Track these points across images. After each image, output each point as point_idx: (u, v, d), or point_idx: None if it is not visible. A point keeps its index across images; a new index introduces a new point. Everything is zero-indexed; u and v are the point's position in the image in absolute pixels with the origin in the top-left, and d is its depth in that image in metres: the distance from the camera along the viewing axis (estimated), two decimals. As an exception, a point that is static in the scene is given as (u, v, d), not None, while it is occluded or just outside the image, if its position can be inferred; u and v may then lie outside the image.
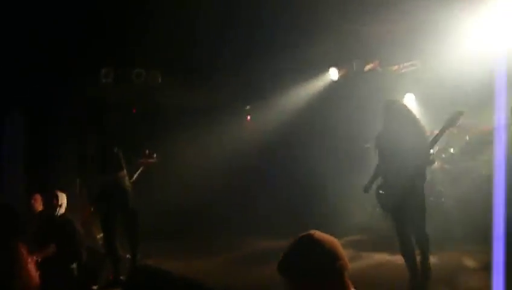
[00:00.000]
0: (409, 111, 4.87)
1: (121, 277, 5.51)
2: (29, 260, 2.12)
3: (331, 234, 1.93)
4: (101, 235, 6.17)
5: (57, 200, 5.95)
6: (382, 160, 4.91)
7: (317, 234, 1.91)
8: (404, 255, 4.99)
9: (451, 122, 4.57)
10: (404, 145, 4.57)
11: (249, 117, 10.06)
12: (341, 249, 1.90)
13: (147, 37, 6.80)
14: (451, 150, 7.17)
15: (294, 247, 1.89)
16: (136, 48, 6.93)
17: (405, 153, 4.55)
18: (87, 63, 6.85)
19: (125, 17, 6.23)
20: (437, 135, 4.67)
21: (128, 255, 5.81)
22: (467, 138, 7.09)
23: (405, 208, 4.72)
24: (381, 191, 4.95)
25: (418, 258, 4.99)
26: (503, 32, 6.21)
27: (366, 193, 5.20)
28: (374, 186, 5.10)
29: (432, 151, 4.72)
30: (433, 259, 5.94)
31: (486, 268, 5.28)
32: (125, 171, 5.68)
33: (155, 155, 6.84)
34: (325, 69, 8.13)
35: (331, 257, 1.84)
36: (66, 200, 5.91)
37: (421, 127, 4.78)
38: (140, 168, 6.47)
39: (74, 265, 5.56)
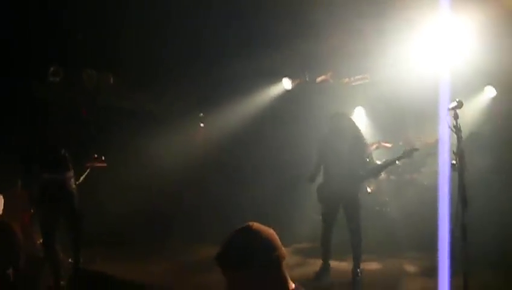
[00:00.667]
0: (353, 126, 5.44)
1: (62, 282, 5.28)
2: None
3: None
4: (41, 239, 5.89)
5: (-3, 202, 5.68)
6: (323, 161, 5.50)
7: (255, 225, 1.92)
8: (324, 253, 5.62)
9: (404, 156, 5.38)
10: (344, 156, 5.19)
11: (202, 124, 10.00)
12: (278, 240, 1.91)
13: (99, 36, 6.65)
14: (397, 162, 7.44)
15: (233, 238, 1.88)
16: (87, 47, 6.74)
17: (344, 164, 5.18)
18: (35, 60, 6.58)
19: (78, 16, 6.05)
20: (387, 161, 5.58)
21: (70, 260, 5.58)
22: (411, 150, 7.39)
23: (344, 212, 5.46)
24: (322, 192, 5.55)
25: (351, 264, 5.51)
26: (448, 48, 6.58)
27: (312, 182, 5.65)
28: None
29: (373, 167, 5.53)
30: (376, 265, 6.18)
31: (427, 274, 5.53)
32: (72, 172, 5.48)
33: (103, 158, 6.67)
34: (279, 78, 8.25)
35: (268, 247, 1.85)
36: (2, 202, 5.64)
37: (363, 144, 5.43)
38: (87, 171, 6.26)
39: (10, 270, 5.27)
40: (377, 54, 6.79)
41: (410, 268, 5.94)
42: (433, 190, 6.79)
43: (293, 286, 1.89)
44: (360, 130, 5.50)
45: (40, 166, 5.29)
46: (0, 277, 5.22)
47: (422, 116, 7.17)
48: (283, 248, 1.89)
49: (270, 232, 1.91)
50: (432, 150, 7.14)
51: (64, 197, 5.28)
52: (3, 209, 5.92)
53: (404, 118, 7.54)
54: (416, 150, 5.37)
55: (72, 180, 5.44)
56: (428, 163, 7.27)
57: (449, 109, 3.59)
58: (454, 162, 3.63)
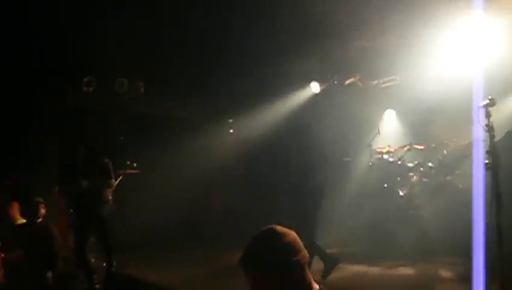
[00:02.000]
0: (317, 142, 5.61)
1: (97, 286, 5.43)
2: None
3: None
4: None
5: (37, 208, 5.90)
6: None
7: (278, 228, 1.92)
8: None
9: None
10: (308, 165, 5.43)
11: (231, 130, 10.07)
12: (300, 243, 1.91)
13: (131, 46, 6.83)
14: (430, 164, 7.29)
15: (256, 241, 1.90)
16: (119, 57, 6.93)
17: (308, 172, 5.41)
18: (69, 71, 6.83)
19: (109, 27, 6.24)
20: None
21: (104, 264, 5.73)
22: (445, 152, 7.22)
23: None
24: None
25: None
26: (481, 48, 6.39)
27: None
28: None
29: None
30: (409, 270, 6.03)
31: (461, 280, 5.36)
32: (113, 181, 5.62)
33: (135, 165, 6.83)
34: (307, 83, 8.22)
35: (292, 250, 1.85)
36: (44, 209, 5.86)
37: (324, 156, 5.56)
38: (120, 178, 6.42)
39: (49, 273, 5.47)
40: (406, 55, 6.66)
41: (444, 273, 5.76)
42: (468, 193, 6.63)
43: (317, 287, 1.89)
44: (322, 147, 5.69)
45: (81, 174, 5.45)
46: (40, 278, 5.46)
47: (455, 117, 6.98)
48: (305, 251, 1.89)
49: (293, 235, 1.91)
50: (466, 152, 6.96)
51: (100, 205, 5.42)
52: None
53: (437, 120, 7.36)
54: None
55: (110, 189, 5.56)
56: (462, 166, 7.06)
57: (481, 107, 3.48)
58: (487, 161, 3.51)
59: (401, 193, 7.36)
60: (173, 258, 7.37)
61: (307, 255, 1.89)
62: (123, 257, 6.59)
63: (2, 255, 1.97)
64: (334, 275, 5.77)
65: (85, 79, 7.13)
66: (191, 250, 7.90)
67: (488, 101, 3.48)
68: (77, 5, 5.68)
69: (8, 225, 5.81)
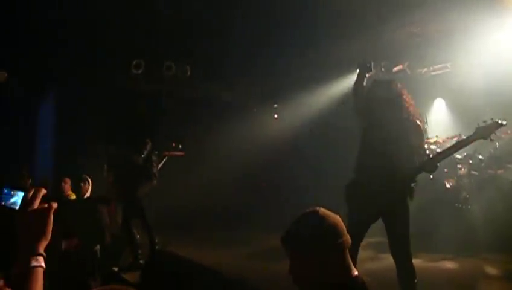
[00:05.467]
0: (407, 100, 3.75)
1: (141, 261, 5.66)
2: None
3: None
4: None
5: (86, 184, 6.20)
6: (367, 152, 3.79)
7: (322, 210, 1.95)
8: None
9: (484, 133, 3.44)
10: (398, 140, 3.57)
11: (276, 115, 10.10)
12: (343, 226, 1.93)
13: (179, 30, 6.94)
14: (480, 157, 7.00)
15: (299, 221, 1.93)
16: (167, 40, 7.07)
17: (399, 152, 3.56)
18: (118, 53, 7.03)
19: (156, 12, 6.37)
20: (458, 143, 3.63)
21: (148, 241, 5.96)
22: (497, 144, 6.89)
23: (388, 223, 3.75)
24: (355, 192, 3.79)
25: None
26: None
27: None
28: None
29: (428, 153, 3.75)
30: (453, 264, 5.87)
31: (508, 277, 5.16)
32: (151, 162, 5.79)
33: (180, 147, 7.01)
34: (353, 70, 8.05)
35: (334, 232, 1.88)
36: (88, 184, 6.14)
37: (421, 125, 3.72)
38: (164, 159, 6.61)
39: (98, 247, 5.74)
40: (457, 41, 6.38)
41: (490, 270, 5.55)
42: (520, 188, 6.35)
43: (356, 272, 1.90)
44: (414, 105, 3.80)
45: (122, 149, 5.66)
46: (89, 252, 5.75)
47: (510, 108, 6.64)
48: (348, 235, 1.91)
49: (337, 218, 1.94)
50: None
51: (139, 184, 5.62)
52: (91, 192, 6.44)
53: (489, 110, 6.99)
54: (501, 125, 3.41)
55: (153, 170, 5.73)
56: (514, 159, 6.74)
57: None
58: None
59: (447, 185, 7.12)
60: (218, 239, 7.54)
61: (349, 239, 1.91)
62: (166, 236, 6.83)
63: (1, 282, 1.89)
64: (375, 265, 5.72)
65: (134, 62, 7.34)
66: (236, 231, 8.05)
67: None
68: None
69: (62, 202, 6.12)
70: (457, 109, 7.86)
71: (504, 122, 3.51)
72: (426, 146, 3.75)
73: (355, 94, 3.96)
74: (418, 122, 3.66)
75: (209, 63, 7.91)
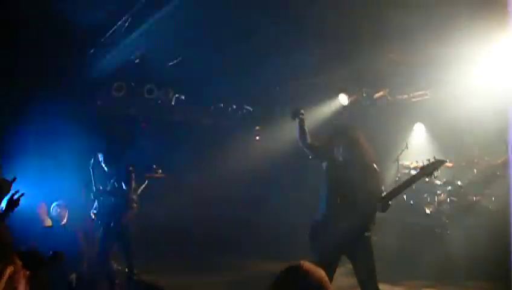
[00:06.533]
0: (365, 145, 3.96)
1: (118, 291, 5.51)
2: (22, 274, 2.12)
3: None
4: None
5: (61, 211, 6.04)
6: (332, 190, 3.93)
7: (306, 265, 1.92)
8: None
9: (428, 170, 3.68)
10: (356, 182, 3.77)
11: (257, 137, 10.09)
12: (328, 281, 1.91)
13: (160, 54, 6.90)
14: (459, 183, 7.10)
15: (282, 278, 1.90)
16: (148, 65, 7.02)
17: (357, 193, 3.75)
18: (100, 76, 6.95)
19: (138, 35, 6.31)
20: (407, 181, 3.78)
21: (126, 269, 5.82)
22: (475, 171, 7.02)
23: (353, 262, 3.87)
24: (321, 230, 3.89)
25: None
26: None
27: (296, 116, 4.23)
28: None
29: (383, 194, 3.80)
30: (433, 293, 5.87)
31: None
32: (133, 189, 5.68)
33: (160, 171, 6.91)
34: (335, 95, 8.13)
35: (317, 289, 1.84)
36: (67, 213, 6.00)
37: (376, 168, 3.93)
38: (145, 182, 6.49)
39: (73, 275, 5.58)
40: (438, 70, 6.50)
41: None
42: (500, 214, 6.43)
43: None
44: (371, 150, 4.00)
45: (109, 182, 5.54)
46: (64, 281, 5.58)
47: (487, 135, 6.77)
48: (331, 288, 1.88)
49: (321, 273, 1.91)
50: (499, 172, 6.75)
51: (124, 212, 5.50)
52: (68, 218, 6.26)
53: (468, 137, 7.15)
54: (443, 162, 3.69)
55: (133, 197, 5.62)
56: (494, 186, 6.84)
57: None
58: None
59: (427, 211, 7.20)
60: (200, 266, 7.40)
61: None
62: (145, 261, 6.67)
63: (27, 272, 2.05)
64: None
65: (115, 84, 7.26)
66: (220, 258, 7.91)
67: None
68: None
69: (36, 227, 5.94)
70: (437, 133, 7.99)
71: (447, 161, 3.92)
72: (383, 188, 3.87)
73: (304, 144, 4.20)
74: (375, 166, 3.89)
75: (192, 88, 7.88)
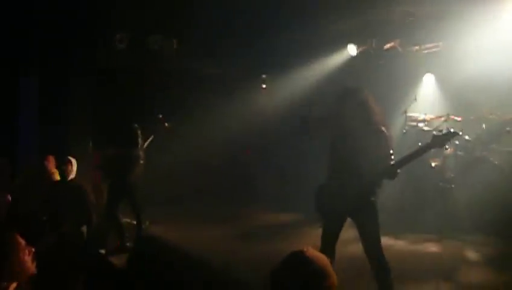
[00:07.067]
0: (373, 108, 3.80)
1: (128, 244, 5.69)
2: (26, 251, 2.17)
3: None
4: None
5: (70, 165, 6.08)
6: (336, 156, 3.90)
7: (310, 251, 1.93)
8: None
9: (440, 142, 3.56)
10: (363, 147, 3.67)
11: (264, 86, 9.94)
12: (331, 267, 1.92)
13: (164, 2, 6.66)
14: (466, 137, 7.02)
15: (285, 264, 1.91)
16: (151, 13, 6.77)
17: (364, 158, 3.65)
18: (101, 27, 6.74)
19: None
20: (417, 151, 3.66)
21: (134, 222, 5.98)
22: (484, 126, 6.91)
23: (357, 224, 3.84)
24: (328, 192, 3.89)
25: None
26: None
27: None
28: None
29: (393, 162, 3.67)
30: (434, 247, 6.00)
31: (487, 262, 5.30)
32: (139, 148, 5.69)
33: (166, 124, 6.88)
34: (345, 45, 7.89)
35: (320, 276, 1.87)
36: (75, 166, 6.03)
37: (384, 131, 3.73)
38: (151, 137, 6.49)
39: (84, 228, 5.73)
40: (451, 21, 6.23)
41: (470, 254, 5.68)
42: (505, 170, 6.43)
43: None
44: (380, 113, 3.85)
45: (113, 138, 5.56)
46: (75, 233, 5.75)
47: (500, 89, 6.61)
48: (334, 276, 1.90)
49: (324, 259, 1.92)
50: (506, 128, 6.65)
51: (129, 171, 5.55)
52: (77, 173, 6.33)
53: (479, 90, 6.96)
54: (456, 134, 3.56)
55: (140, 154, 5.64)
56: (502, 141, 6.77)
57: None
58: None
59: (432, 164, 7.18)
60: (206, 216, 7.58)
61: (335, 280, 1.91)
62: (154, 212, 6.84)
63: (32, 249, 2.12)
64: (359, 247, 5.83)
65: (117, 36, 7.05)
66: (225, 207, 8.08)
67: None
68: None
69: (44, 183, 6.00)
70: (447, 86, 7.80)
71: (460, 132, 3.80)
72: (391, 152, 3.69)
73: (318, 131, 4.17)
74: (384, 130, 3.73)
75: (195, 35, 7.63)
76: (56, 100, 6.66)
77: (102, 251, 5.63)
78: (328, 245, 3.79)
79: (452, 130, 3.58)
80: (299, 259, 1.89)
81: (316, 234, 3.84)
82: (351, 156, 3.73)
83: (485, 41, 6.23)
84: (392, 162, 3.65)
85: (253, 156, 9.25)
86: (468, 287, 4.69)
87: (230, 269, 4.78)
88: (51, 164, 6.42)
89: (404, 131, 7.54)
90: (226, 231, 6.81)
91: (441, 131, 3.63)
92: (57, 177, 6.23)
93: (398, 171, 3.62)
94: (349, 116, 3.77)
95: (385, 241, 6.05)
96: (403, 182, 7.22)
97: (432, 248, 5.97)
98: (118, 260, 5.49)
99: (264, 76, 9.79)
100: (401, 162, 3.62)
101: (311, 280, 1.84)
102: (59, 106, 6.73)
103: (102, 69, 7.15)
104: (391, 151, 3.72)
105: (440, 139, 3.54)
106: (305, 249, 1.92)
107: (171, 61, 7.86)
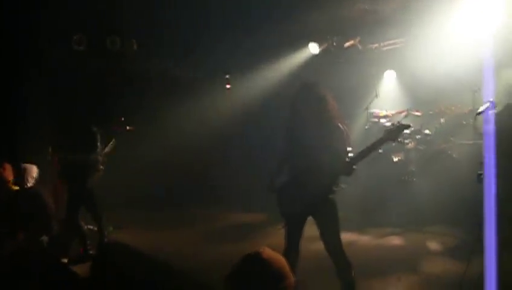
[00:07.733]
0: (330, 104, 3.76)
1: (91, 252, 5.53)
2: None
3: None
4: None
5: (27, 173, 5.85)
6: (292, 153, 3.88)
7: (266, 252, 1.90)
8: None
9: (392, 136, 3.54)
10: (320, 143, 3.64)
11: (228, 86, 9.90)
12: (288, 268, 1.91)
13: (124, 3, 6.52)
14: (426, 131, 7.22)
15: (242, 266, 1.89)
16: (111, 14, 6.63)
17: (320, 155, 3.61)
18: (59, 28, 6.54)
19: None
20: (372, 145, 3.58)
21: (95, 228, 5.83)
22: (442, 120, 7.13)
23: (317, 218, 3.78)
24: (286, 192, 3.85)
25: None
26: (489, 12, 6.11)
27: (272, 192, 3.95)
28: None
29: (350, 159, 3.61)
30: (398, 240, 6.13)
31: (450, 253, 5.45)
32: (98, 152, 5.53)
33: (128, 127, 6.75)
34: (306, 44, 7.96)
35: (277, 277, 1.85)
36: (36, 173, 5.81)
37: (341, 127, 3.70)
38: (113, 141, 6.33)
39: (44, 237, 5.54)
40: (410, 19, 6.38)
41: (434, 246, 5.81)
42: (462, 162, 6.63)
43: None
44: (337, 109, 3.80)
45: (70, 143, 5.38)
46: (35, 243, 5.55)
47: (457, 84, 6.82)
48: (291, 277, 1.89)
49: (281, 260, 1.90)
50: (463, 121, 6.87)
51: (87, 176, 5.40)
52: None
53: (438, 86, 7.17)
54: (407, 126, 3.60)
55: (99, 158, 5.48)
56: (459, 133, 6.99)
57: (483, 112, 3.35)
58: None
59: (395, 159, 7.34)
60: (167, 219, 7.49)
61: (293, 281, 1.89)
62: (119, 216, 6.70)
63: None
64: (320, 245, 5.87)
65: (75, 37, 6.85)
66: (185, 211, 8.00)
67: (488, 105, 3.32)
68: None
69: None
70: (407, 82, 8.00)
71: (411, 126, 3.95)
72: (349, 148, 3.65)
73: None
74: (340, 126, 3.69)
75: (156, 37, 7.52)
76: (10, 102, 6.41)
77: (65, 260, 5.46)
78: (293, 244, 3.76)
79: (403, 123, 3.61)
80: (254, 262, 1.87)
81: (280, 233, 3.82)
82: (307, 152, 3.68)
83: (442, 39, 6.40)
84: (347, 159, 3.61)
85: (216, 157, 9.19)
86: (432, 277, 4.78)
87: (195, 273, 4.72)
88: (8, 172, 6.18)
89: (367, 127, 7.69)
90: (190, 233, 6.75)
91: (393, 125, 3.65)
92: (14, 186, 6.01)
93: (354, 167, 3.58)
94: (305, 111, 3.71)
95: (349, 236, 6.22)
96: (366, 178, 7.36)
97: (396, 241, 6.09)
98: (81, 269, 5.40)
99: (227, 76, 9.75)
100: (356, 158, 3.58)
101: (268, 282, 1.82)
102: (14, 108, 6.47)
103: (59, 70, 6.92)
104: (348, 148, 3.68)
105: (392, 133, 3.54)
106: (260, 251, 1.90)
107: (132, 62, 7.70)
